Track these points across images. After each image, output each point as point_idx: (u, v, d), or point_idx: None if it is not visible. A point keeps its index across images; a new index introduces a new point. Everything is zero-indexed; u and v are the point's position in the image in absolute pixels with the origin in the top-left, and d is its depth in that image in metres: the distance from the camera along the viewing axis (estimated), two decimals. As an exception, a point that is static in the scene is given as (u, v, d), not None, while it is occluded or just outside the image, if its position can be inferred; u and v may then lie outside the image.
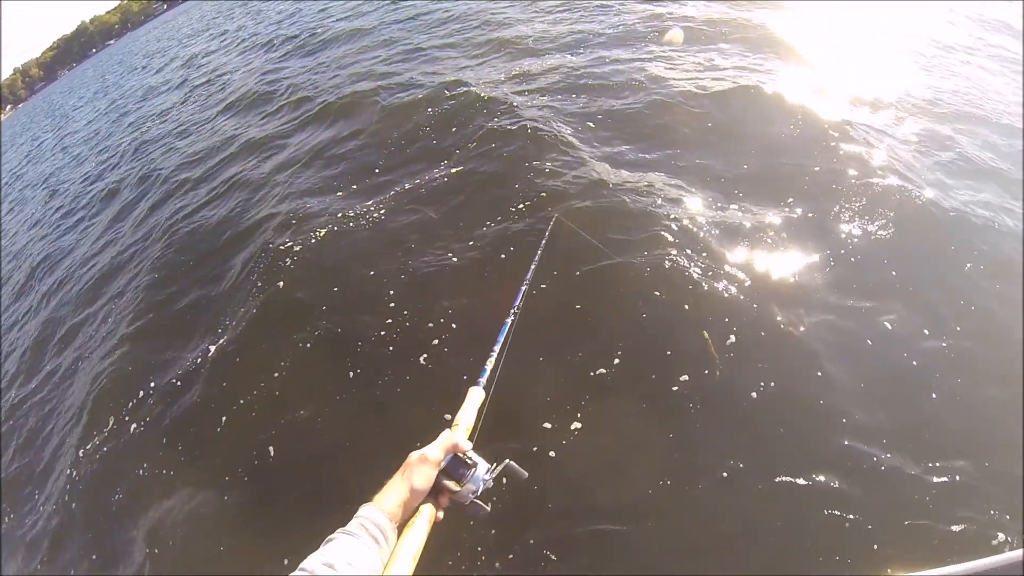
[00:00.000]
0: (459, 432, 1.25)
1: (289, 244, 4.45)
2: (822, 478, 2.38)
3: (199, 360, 3.89)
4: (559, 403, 2.81)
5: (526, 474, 1.20)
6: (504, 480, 1.18)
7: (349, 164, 5.66)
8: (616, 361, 2.93)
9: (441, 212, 4.37)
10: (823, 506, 2.30)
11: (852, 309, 3.14)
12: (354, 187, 5.16)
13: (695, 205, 3.92)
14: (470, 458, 1.15)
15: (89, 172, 11.54)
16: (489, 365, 1.59)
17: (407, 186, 4.82)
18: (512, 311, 1.99)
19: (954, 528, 2.21)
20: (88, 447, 3.80)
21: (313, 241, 4.43)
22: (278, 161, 6.49)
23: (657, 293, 3.20)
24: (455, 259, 3.85)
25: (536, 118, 5.16)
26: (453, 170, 4.81)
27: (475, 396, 1.44)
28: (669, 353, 2.90)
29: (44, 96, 74.47)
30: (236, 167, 6.95)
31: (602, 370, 2.91)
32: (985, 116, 5.25)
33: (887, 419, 2.60)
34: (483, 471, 1.14)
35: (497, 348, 1.69)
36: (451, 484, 1.11)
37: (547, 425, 2.74)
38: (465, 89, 6.12)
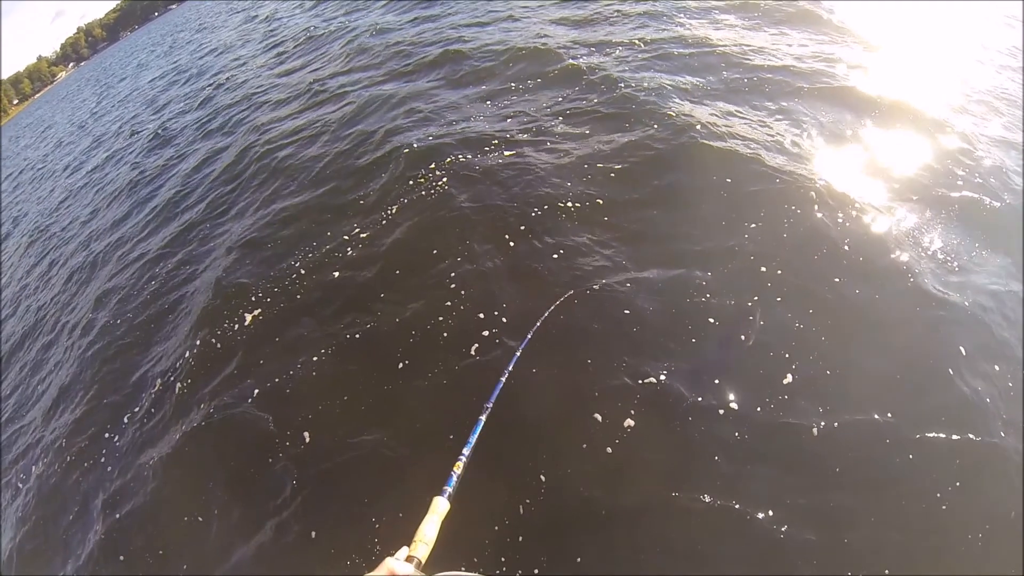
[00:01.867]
0: (418, 548, 1.25)
1: (356, 229, 4.48)
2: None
3: (240, 335, 3.97)
4: (606, 404, 2.75)
5: None
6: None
7: (422, 128, 5.67)
8: (663, 376, 2.82)
9: (506, 191, 4.34)
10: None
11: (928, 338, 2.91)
12: (431, 155, 5.05)
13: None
14: None
15: (171, 117, 12.08)
16: (457, 472, 1.49)
17: (490, 151, 4.81)
18: (485, 408, 1.78)
19: None
20: (125, 421, 3.92)
21: (383, 221, 4.43)
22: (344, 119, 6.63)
23: (711, 320, 3.05)
24: (512, 243, 3.82)
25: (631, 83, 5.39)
26: (521, 146, 4.83)
27: (439, 507, 1.37)
28: (717, 382, 2.77)
29: (109, 54, 77.13)
30: (316, 118, 7.09)
31: (651, 379, 2.82)
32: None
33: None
34: None
35: (467, 452, 1.57)
36: None
37: (598, 417, 2.70)
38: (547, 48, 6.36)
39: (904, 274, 3.23)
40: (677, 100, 5.09)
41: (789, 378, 2.75)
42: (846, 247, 3.41)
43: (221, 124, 9.12)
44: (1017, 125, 5.05)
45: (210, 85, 12.53)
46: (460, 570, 1.21)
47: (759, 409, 2.65)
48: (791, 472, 2.44)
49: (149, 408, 3.89)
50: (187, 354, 4.07)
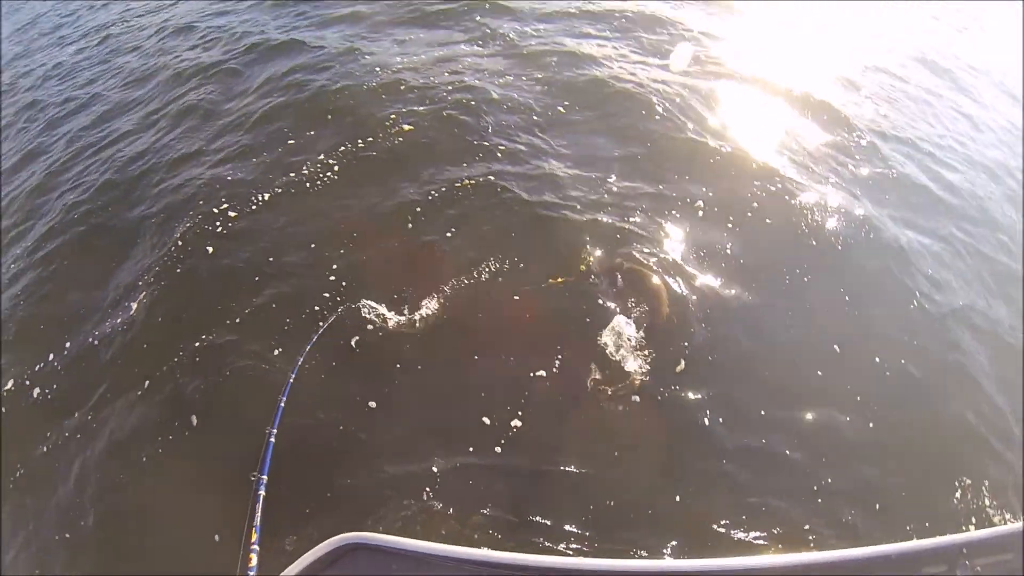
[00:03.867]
0: None
1: (225, 206, 4.00)
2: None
3: (119, 318, 3.46)
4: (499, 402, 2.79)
5: None
6: None
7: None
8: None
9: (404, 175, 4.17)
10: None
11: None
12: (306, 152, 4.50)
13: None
14: None
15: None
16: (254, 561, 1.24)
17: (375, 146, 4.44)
18: (258, 487, 1.48)
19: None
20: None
21: (253, 205, 4.00)
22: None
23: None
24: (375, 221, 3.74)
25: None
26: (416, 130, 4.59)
27: None
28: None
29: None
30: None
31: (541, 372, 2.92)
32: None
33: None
34: None
35: (257, 537, 1.30)
36: None
37: (486, 421, 2.71)
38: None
39: (771, 175, 4.13)
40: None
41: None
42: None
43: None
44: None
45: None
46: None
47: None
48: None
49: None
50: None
